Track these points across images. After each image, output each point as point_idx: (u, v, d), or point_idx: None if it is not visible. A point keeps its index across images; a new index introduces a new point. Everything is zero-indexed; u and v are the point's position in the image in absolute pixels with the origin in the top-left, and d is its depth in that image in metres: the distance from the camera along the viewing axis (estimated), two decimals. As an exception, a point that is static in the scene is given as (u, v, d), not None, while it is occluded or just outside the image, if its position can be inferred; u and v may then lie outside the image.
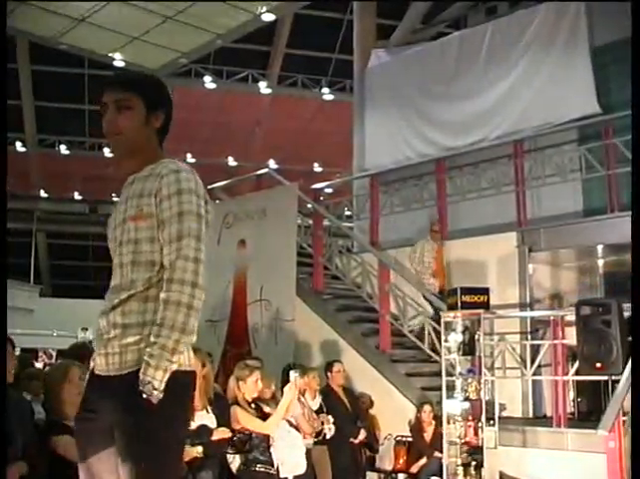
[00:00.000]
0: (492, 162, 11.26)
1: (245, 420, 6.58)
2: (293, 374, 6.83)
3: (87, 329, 19.71)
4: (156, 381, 2.67)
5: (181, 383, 2.79)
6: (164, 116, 3.08)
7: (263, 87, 24.84)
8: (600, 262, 10.64)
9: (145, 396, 2.66)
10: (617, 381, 7.00)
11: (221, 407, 6.50)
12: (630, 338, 7.20)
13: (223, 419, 6.40)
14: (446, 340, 8.58)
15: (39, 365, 14.38)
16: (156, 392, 2.66)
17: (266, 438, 6.66)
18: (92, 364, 2.99)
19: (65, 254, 32.12)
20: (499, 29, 12.57)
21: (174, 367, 2.74)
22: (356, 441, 8.59)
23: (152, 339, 2.72)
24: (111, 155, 3.11)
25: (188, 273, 2.76)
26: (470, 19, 14.38)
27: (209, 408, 6.27)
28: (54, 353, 22.25)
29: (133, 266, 2.84)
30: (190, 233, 2.81)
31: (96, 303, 2.97)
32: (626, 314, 7.65)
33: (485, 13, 14.04)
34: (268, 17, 16.12)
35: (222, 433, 6.30)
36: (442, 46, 13.61)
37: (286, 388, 6.79)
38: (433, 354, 9.34)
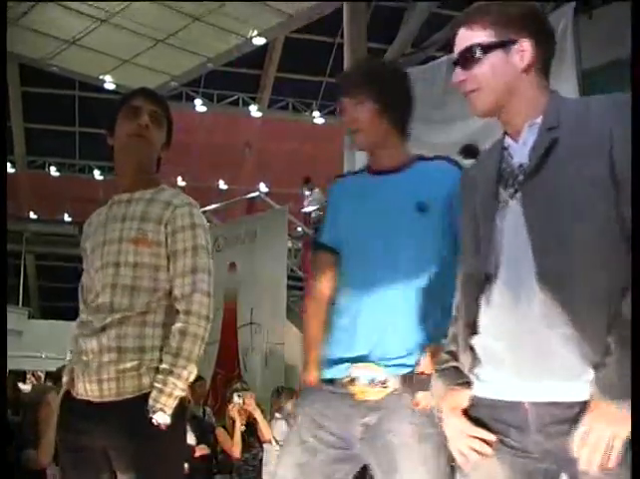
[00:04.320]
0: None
1: (221, 440, 6.66)
2: (236, 398, 6.81)
3: (72, 351, 19.60)
4: (167, 408, 2.70)
5: (180, 406, 2.80)
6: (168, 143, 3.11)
7: (254, 110, 24.89)
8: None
9: (155, 423, 2.68)
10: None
11: (203, 429, 6.58)
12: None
13: (205, 440, 6.48)
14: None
15: (27, 387, 14.28)
16: (168, 419, 2.70)
17: (250, 461, 6.69)
18: (64, 389, 2.97)
19: (54, 276, 31.97)
20: (489, 53, 12.67)
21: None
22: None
23: (165, 367, 2.73)
24: (125, 161, 3.00)
25: (205, 307, 2.80)
26: (459, 43, 14.47)
27: (187, 427, 6.33)
28: (42, 375, 22.16)
29: (132, 290, 2.82)
30: (205, 267, 2.85)
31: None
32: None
33: (475, 37, 14.14)
34: (259, 41, 16.18)
35: (203, 450, 6.41)
36: (431, 69, 13.67)
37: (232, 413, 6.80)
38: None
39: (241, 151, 26.65)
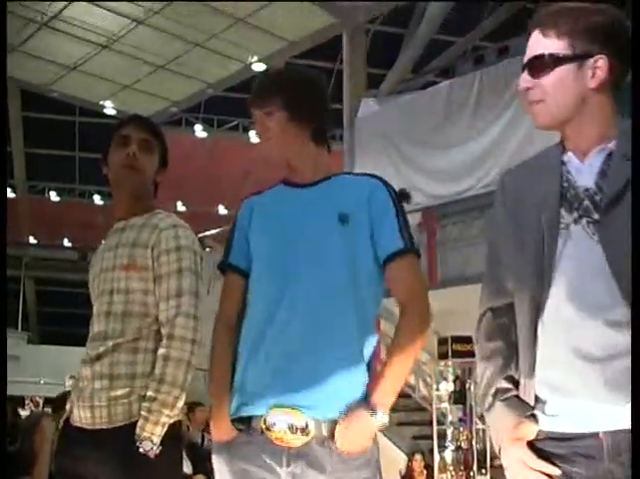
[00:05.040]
0: (482, 209, 11.29)
1: None
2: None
3: (75, 377, 19.49)
4: (154, 437, 2.66)
5: (174, 433, 2.77)
6: (164, 167, 3.10)
7: (253, 136, 24.93)
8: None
9: (142, 451, 2.64)
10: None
11: (200, 457, 6.53)
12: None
13: (202, 468, 6.43)
14: (437, 389, 8.55)
15: (25, 413, 14.20)
16: (155, 448, 2.65)
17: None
18: (65, 415, 2.95)
19: (53, 302, 31.92)
20: (487, 78, 12.72)
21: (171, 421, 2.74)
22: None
23: (150, 394, 2.70)
24: (118, 190, 3.00)
25: (189, 331, 2.76)
26: (458, 68, 14.53)
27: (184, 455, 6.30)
28: (41, 401, 22.05)
29: (123, 317, 2.80)
30: (190, 290, 2.81)
31: (84, 351, 2.93)
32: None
33: (474, 62, 14.21)
34: (259, 67, 16.26)
35: None
36: (430, 95, 13.74)
37: None
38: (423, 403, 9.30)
39: (241, 176, 26.70)
